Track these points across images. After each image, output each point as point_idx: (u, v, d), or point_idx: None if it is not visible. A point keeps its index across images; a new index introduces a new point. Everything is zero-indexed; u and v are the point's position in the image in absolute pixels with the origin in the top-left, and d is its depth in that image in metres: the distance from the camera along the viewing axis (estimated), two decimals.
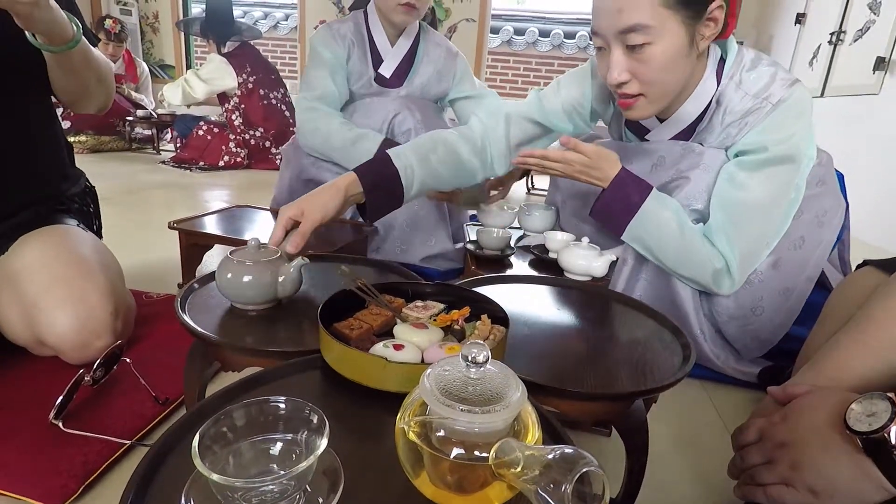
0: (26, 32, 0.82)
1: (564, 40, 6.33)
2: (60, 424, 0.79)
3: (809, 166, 1.03)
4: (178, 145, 3.90)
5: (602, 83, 1.13)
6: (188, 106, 3.58)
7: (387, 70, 1.68)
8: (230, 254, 0.77)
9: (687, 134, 1.09)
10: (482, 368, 0.40)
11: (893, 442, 0.50)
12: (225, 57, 3.53)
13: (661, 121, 1.11)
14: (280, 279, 0.76)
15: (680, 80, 0.98)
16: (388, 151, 1.08)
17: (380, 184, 1.03)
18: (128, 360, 0.95)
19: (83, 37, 0.91)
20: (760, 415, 0.68)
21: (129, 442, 0.80)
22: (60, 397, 0.80)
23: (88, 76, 1.00)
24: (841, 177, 1.14)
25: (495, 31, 6.21)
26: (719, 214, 1.03)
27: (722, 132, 1.04)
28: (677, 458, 0.92)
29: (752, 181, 0.99)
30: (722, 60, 1.03)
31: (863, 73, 2.94)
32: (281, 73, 3.83)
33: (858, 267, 0.88)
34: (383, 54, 1.67)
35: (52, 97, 1.07)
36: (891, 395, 0.52)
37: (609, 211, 1.07)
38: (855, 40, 3.15)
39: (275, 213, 1.59)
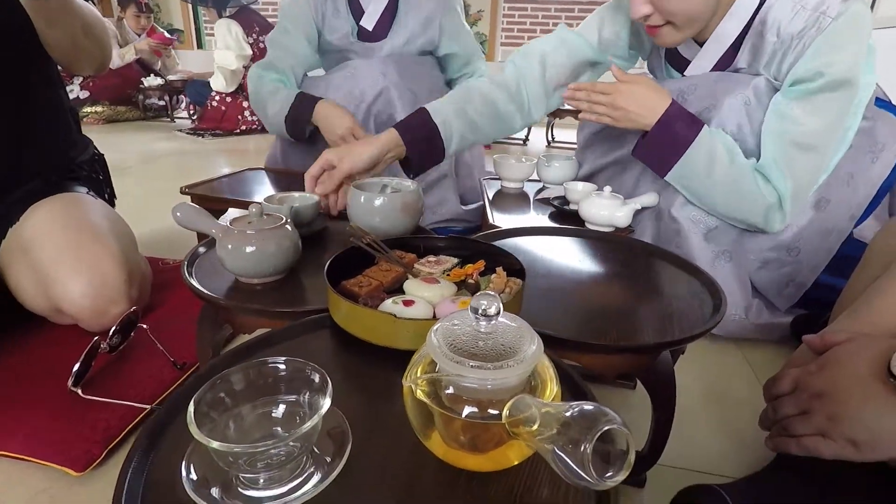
0: None
1: None
2: (79, 392, 0.79)
3: (868, 94, 0.96)
4: (191, 112, 3.87)
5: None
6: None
7: (369, 22, 1.51)
8: (230, 222, 0.71)
9: (728, 60, 1.01)
10: (493, 322, 0.37)
11: None
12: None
13: (701, 44, 1.03)
14: (286, 246, 0.70)
15: (705, 1, 0.92)
16: (426, 106, 1.08)
17: (419, 138, 1.05)
18: (145, 326, 0.95)
19: None
20: (795, 364, 0.64)
21: (149, 406, 0.80)
22: (77, 365, 0.80)
23: (72, 26, 0.96)
24: (893, 109, 1.05)
25: None
26: (771, 148, 0.96)
27: (772, 59, 0.95)
28: (705, 411, 0.89)
29: (804, 111, 0.91)
30: None
31: None
32: None
33: None
34: (364, 4, 1.50)
35: (59, 66, 1.05)
36: None
37: (656, 146, 1.00)
38: None
39: (269, 171, 1.58)
